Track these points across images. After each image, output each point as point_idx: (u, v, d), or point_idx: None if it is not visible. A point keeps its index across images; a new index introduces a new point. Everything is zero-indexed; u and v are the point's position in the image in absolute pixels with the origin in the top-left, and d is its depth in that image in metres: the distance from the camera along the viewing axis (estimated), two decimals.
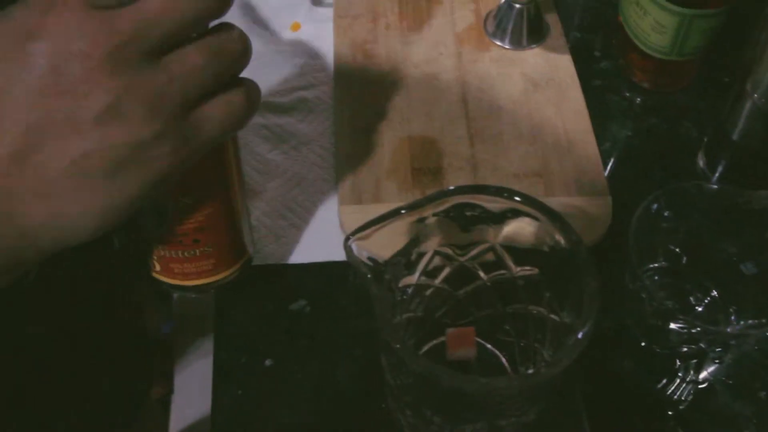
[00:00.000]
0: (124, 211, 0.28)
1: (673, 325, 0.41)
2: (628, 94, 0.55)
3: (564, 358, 0.30)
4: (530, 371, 0.38)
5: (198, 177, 0.35)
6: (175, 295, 0.50)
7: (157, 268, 0.40)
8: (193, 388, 0.49)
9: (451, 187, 0.36)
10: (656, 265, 0.47)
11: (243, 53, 0.29)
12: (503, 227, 0.38)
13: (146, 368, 0.57)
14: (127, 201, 0.28)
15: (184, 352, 0.50)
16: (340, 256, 0.37)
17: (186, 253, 0.39)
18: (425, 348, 0.43)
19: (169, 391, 0.50)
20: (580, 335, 0.31)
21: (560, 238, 0.35)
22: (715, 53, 0.54)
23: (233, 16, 0.59)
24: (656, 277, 0.47)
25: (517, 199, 0.36)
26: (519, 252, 0.38)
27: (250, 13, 0.59)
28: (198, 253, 0.39)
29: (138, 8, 0.26)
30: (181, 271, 0.40)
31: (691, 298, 0.46)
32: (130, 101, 0.26)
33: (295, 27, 0.59)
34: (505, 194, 0.36)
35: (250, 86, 0.30)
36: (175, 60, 0.27)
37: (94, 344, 0.49)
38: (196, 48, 0.28)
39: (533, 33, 0.56)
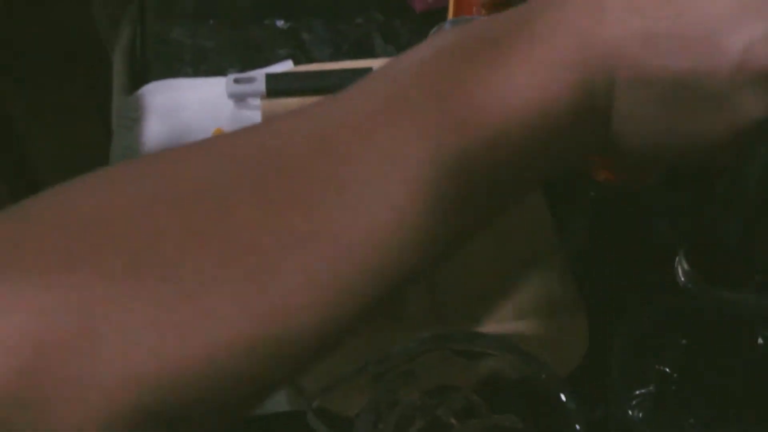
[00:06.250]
0: None
1: None
2: (592, 193, 0.58)
3: None
4: None
5: None
6: None
7: None
8: None
9: (416, 341, 0.38)
10: (644, 391, 0.46)
11: None
12: (477, 368, 0.40)
13: None
14: None
15: None
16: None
17: None
18: None
19: None
20: None
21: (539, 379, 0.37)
22: None
23: (153, 122, 0.59)
24: (644, 405, 0.46)
25: (486, 344, 0.38)
26: (494, 396, 0.40)
27: (171, 118, 0.60)
28: None
29: None
30: None
31: (684, 426, 0.46)
32: None
33: (218, 134, 0.60)
34: (476, 341, 0.38)
35: None
36: None
37: None
38: None
39: None
